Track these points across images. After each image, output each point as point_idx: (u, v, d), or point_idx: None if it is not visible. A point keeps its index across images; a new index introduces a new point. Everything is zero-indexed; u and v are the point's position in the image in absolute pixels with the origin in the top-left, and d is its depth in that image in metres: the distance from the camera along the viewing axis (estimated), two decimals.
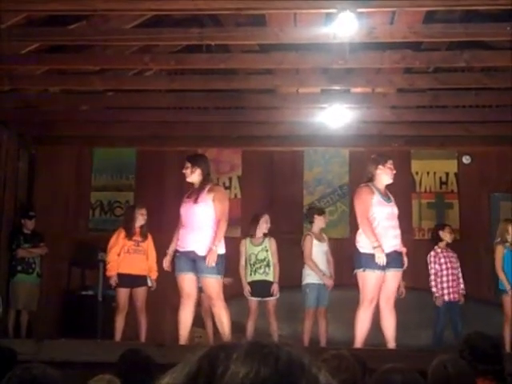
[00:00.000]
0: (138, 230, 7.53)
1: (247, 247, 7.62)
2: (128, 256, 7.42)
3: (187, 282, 5.99)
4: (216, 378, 0.81)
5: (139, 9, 6.42)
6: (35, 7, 6.26)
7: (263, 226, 7.60)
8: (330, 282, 7.59)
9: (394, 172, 6.13)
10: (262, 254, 7.57)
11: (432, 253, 7.85)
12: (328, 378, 0.84)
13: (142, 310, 7.39)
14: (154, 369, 3.64)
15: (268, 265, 7.56)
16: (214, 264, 5.88)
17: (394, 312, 6.01)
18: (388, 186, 6.24)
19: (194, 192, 6.13)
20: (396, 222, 6.05)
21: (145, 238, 7.54)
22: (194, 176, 6.14)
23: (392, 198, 6.13)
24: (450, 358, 3.11)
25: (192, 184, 6.22)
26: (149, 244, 7.57)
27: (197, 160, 6.30)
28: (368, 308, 5.95)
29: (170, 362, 0.91)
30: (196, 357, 0.86)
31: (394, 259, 5.89)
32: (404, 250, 6.06)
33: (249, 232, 7.73)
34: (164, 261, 6.31)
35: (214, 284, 5.98)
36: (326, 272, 7.63)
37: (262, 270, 7.55)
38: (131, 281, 7.36)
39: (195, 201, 6.03)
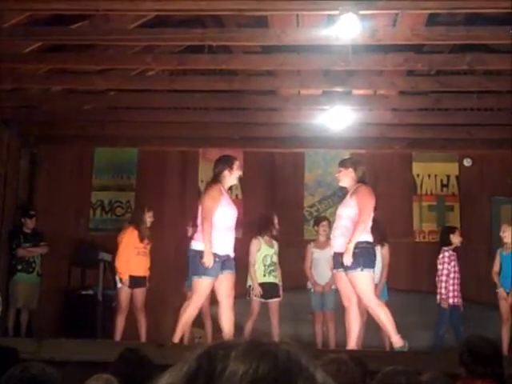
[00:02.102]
0: (148, 231, 7.54)
1: (261, 248, 7.55)
2: (137, 258, 7.43)
3: (211, 285, 5.97)
4: (216, 375, 0.82)
5: (141, 9, 6.42)
6: (38, 6, 6.26)
7: (276, 226, 7.63)
8: (318, 289, 7.75)
9: (337, 175, 6.22)
10: (274, 257, 7.58)
11: (446, 254, 7.77)
12: (325, 376, 0.85)
13: (141, 310, 7.43)
14: (153, 368, 3.64)
15: (277, 268, 7.61)
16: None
17: (377, 310, 5.80)
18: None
19: (227, 194, 6.06)
20: (338, 223, 5.97)
21: (150, 240, 7.55)
22: None
23: (347, 199, 6.05)
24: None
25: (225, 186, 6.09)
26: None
27: None
28: (347, 308, 5.95)
29: (170, 363, 0.91)
30: (195, 355, 0.86)
31: (335, 260, 5.87)
32: (346, 249, 5.75)
33: (261, 232, 7.61)
34: (208, 260, 5.74)
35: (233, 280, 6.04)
36: (325, 278, 7.71)
37: (274, 273, 7.56)
38: (134, 282, 7.39)
39: (232, 203, 6.05)
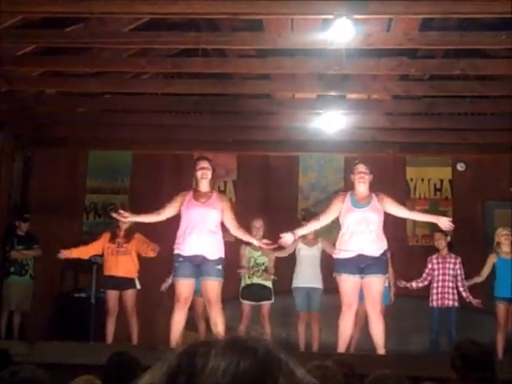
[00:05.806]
0: (122, 232, 7.45)
1: (247, 251, 7.58)
2: (112, 258, 7.39)
3: (187, 287, 5.94)
4: (196, 372, 0.82)
5: (136, 12, 6.41)
6: (32, 9, 6.26)
7: (254, 232, 7.43)
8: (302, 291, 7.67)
9: (362, 176, 6.15)
10: (261, 259, 7.56)
11: (428, 258, 7.91)
12: (304, 373, 0.85)
13: (132, 313, 7.33)
14: (143, 371, 3.63)
15: (266, 270, 7.55)
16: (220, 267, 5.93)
17: (381, 318, 5.95)
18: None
19: (202, 195, 6.06)
20: (369, 227, 5.97)
21: (128, 239, 7.43)
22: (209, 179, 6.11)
23: (375, 204, 6.07)
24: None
25: (196, 188, 6.13)
26: (135, 245, 7.45)
27: (211, 163, 6.25)
28: (345, 312, 5.95)
29: None
30: (175, 354, 0.86)
31: (369, 265, 5.87)
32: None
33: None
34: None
35: (217, 287, 5.96)
36: (311, 277, 7.59)
37: (259, 274, 7.53)
38: (118, 283, 7.30)
39: (208, 204, 5.99)
